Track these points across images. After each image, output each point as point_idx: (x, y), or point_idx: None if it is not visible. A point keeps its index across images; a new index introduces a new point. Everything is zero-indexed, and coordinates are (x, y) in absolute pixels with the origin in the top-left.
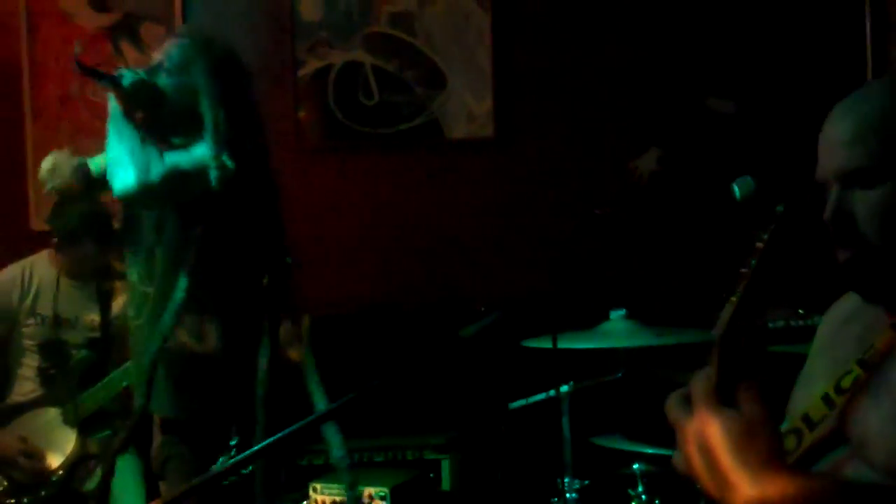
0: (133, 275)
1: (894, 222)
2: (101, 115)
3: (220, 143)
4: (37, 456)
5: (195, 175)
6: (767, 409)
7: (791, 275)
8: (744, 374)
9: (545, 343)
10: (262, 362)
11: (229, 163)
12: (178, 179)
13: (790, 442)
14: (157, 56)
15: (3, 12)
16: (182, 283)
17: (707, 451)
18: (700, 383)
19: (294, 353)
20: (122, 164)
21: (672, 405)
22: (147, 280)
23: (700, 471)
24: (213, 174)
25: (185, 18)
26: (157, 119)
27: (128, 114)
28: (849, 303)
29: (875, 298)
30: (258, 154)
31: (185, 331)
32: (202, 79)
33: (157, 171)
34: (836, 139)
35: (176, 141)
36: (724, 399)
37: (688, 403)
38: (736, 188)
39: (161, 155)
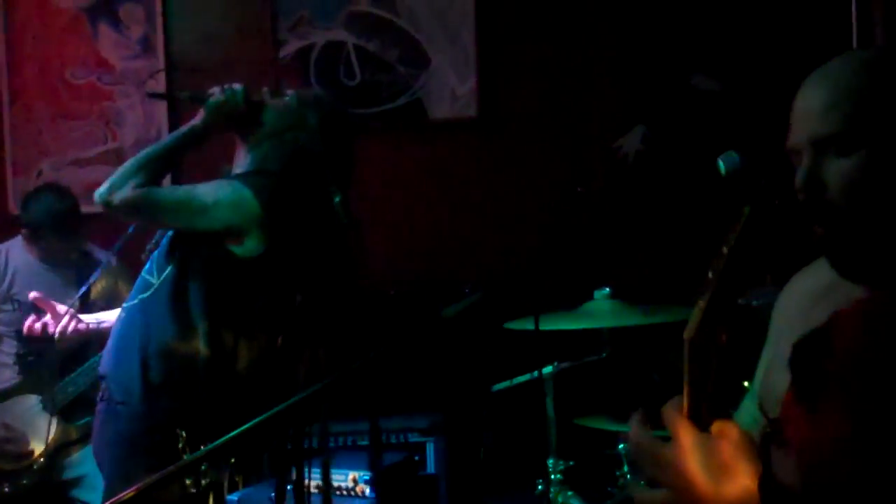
0: (146, 264)
1: (868, 192)
2: (79, 96)
3: (265, 181)
4: (20, 442)
5: (202, 210)
6: (746, 436)
7: (772, 253)
8: (717, 377)
9: (527, 325)
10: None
11: (252, 201)
12: (149, 211)
13: None
14: (292, 91)
15: None
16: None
17: (687, 483)
18: (672, 411)
19: None
20: (116, 170)
21: (640, 437)
22: (154, 272)
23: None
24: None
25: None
26: (252, 132)
27: (204, 133)
28: (814, 277)
29: (854, 276)
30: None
31: (200, 338)
32: (308, 124)
33: (122, 195)
34: (810, 105)
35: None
36: (696, 415)
37: (652, 431)
38: (721, 164)
39: (145, 183)
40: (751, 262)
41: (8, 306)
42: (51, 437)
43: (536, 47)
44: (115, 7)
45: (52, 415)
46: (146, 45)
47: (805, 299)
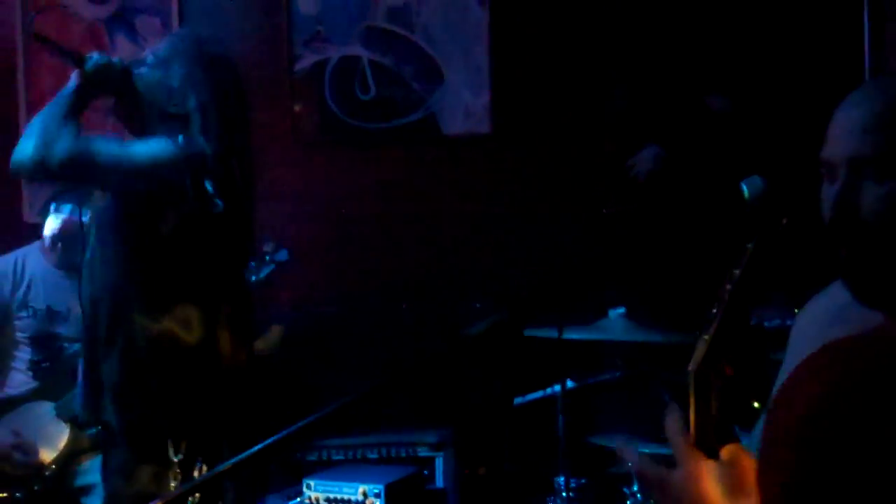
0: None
1: None
2: (94, 107)
3: (200, 135)
4: (31, 451)
5: (144, 167)
6: (754, 461)
7: (785, 273)
8: (722, 406)
9: (549, 332)
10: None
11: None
12: (90, 164)
13: None
14: (147, 51)
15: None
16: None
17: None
18: (678, 438)
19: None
20: (30, 133)
21: (645, 467)
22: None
23: None
24: (184, 164)
25: (181, 11)
26: (134, 110)
27: (86, 94)
28: (831, 297)
29: (871, 300)
30: (238, 152)
31: (173, 319)
32: (184, 73)
33: (62, 147)
34: (852, 124)
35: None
36: (702, 442)
37: (659, 462)
38: (745, 187)
39: (75, 134)
40: (754, 297)
41: (24, 313)
42: (63, 444)
43: (550, 64)
44: (132, 19)
45: (65, 422)
46: None
47: (821, 319)
